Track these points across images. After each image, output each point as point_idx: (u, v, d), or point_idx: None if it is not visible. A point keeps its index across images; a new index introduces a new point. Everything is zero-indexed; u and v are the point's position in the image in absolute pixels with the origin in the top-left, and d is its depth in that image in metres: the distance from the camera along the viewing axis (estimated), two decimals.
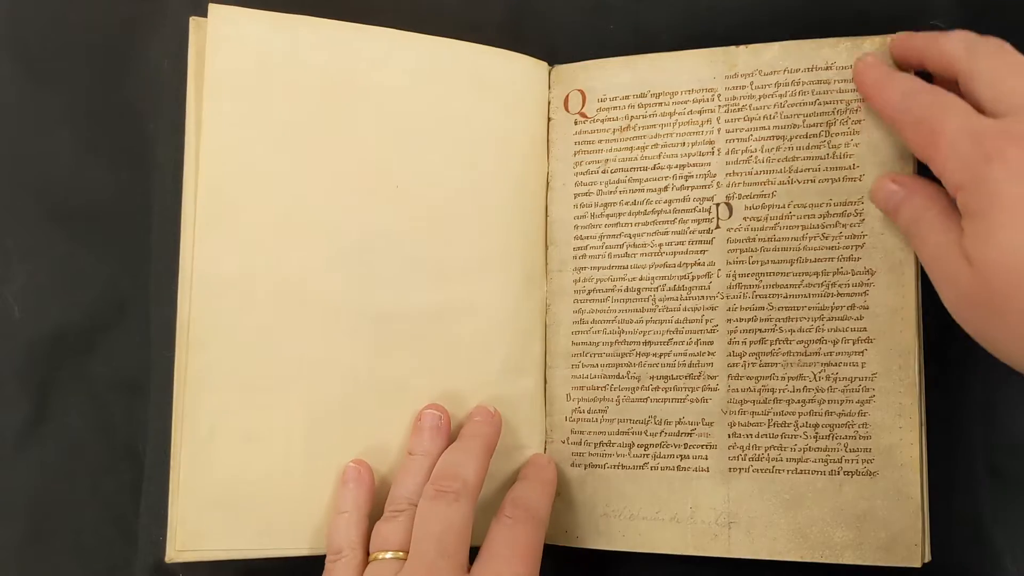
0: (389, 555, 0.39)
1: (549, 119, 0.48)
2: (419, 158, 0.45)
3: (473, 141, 0.46)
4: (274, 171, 0.43)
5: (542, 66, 0.47)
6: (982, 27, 0.45)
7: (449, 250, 0.45)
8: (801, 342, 0.43)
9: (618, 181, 0.46)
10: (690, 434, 0.44)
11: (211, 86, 0.43)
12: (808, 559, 0.41)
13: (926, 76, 0.41)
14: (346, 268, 0.44)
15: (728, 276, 0.44)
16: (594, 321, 0.46)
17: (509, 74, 0.47)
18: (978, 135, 0.35)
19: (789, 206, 0.43)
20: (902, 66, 0.42)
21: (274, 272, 0.43)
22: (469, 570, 0.38)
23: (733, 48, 0.45)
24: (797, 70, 0.44)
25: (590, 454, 0.45)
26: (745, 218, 0.44)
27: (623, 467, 0.44)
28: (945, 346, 0.43)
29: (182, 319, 0.43)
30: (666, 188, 0.45)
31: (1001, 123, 0.35)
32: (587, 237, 0.46)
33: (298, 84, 0.44)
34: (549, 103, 0.48)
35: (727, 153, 0.45)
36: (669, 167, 0.45)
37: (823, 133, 0.43)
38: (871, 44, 0.43)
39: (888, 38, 0.43)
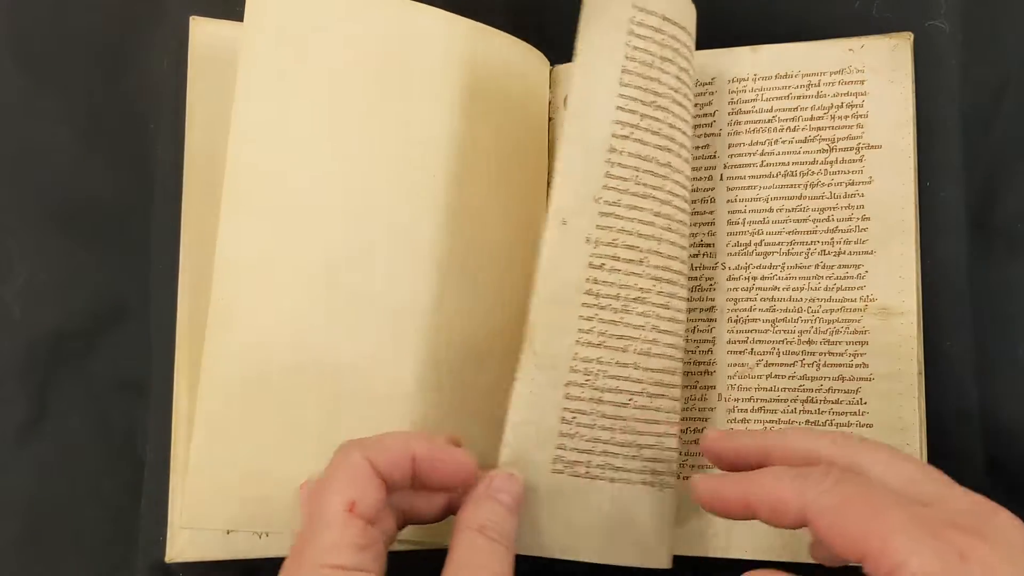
0: None
1: (550, 119, 0.48)
2: (439, 149, 0.44)
3: (488, 135, 0.45)
4: (303, 152, 0.42)
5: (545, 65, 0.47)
6: (980, 28, 0.45)
7: (468, 244, 0.44)
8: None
9: None
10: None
11: (246, 60, 0.41)
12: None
13: None
14: (372, 258, 0.42)
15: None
16: None
17: (523, 67, 0.46)
18: (932, 527, 0.28)
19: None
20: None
21: (298, 259, 0.41)
22: None
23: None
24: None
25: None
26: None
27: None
28: (945, 346, 0.43)
29: (182, 318, 0.43)
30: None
31: (940, 512, 0.30)
32: None
33: (335, 60, 0.42)
34: (550, 103, 0.48)
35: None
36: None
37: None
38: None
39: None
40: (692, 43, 0.42)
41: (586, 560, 0.38)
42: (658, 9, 0.40)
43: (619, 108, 0.39)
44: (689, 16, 0.42)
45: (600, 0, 0.39)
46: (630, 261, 0.39)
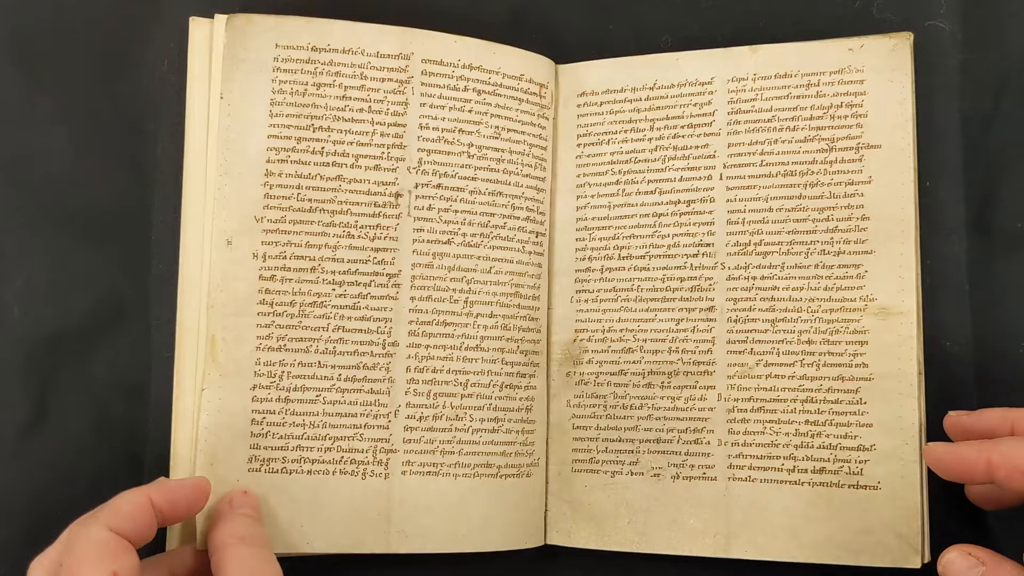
0: None
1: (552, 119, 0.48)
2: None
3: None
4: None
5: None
6: (980, 28, 0.45)
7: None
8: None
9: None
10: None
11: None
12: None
13: None
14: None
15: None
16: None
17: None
18: None
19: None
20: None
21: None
22: None
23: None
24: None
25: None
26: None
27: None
28: (945, 346, 0.43)
29: (182, 319, 0.43)
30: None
31: None
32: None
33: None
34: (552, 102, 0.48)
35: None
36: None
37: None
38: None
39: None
40: (365, 60, 0.44)
41: (308, 552, 0.41)
42: (307, 42, 0.43)
43: (271, 136, 0.43)
44: (344, 35, 0.44)
45: (243, 40, 0.43)
46: (301, 270, 0.42)
